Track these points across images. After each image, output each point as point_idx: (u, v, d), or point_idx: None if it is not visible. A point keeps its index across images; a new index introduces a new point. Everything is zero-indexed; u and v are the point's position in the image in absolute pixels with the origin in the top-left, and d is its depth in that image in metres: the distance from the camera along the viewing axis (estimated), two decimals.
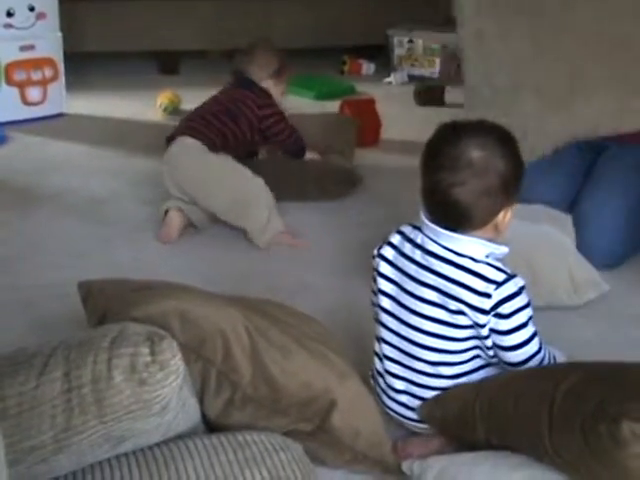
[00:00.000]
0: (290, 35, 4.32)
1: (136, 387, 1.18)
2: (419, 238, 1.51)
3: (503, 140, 1.46)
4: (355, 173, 2.83)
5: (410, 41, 4.39)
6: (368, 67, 4.53)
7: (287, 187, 2.61)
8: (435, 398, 1.52)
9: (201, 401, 1.37)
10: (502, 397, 1.43)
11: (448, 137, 1.45)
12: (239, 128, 2.58)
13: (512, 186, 1.46)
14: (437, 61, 4.32)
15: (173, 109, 3.55)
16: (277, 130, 2.67)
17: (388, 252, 1.55)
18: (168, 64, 4.41)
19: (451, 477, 1.32)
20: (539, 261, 1.99)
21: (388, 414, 1.57)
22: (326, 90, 4.00)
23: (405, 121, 3.63)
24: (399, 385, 1.54)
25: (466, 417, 1.45)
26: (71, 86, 3.71)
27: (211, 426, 1.40)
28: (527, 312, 1.46)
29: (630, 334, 1.95)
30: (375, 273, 1.57)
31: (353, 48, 4.57)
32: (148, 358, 1.20)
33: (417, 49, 4.37)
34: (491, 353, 1.50)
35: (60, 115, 3.63)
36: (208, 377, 1.37)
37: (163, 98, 3.62)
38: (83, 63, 4.18)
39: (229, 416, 1.39)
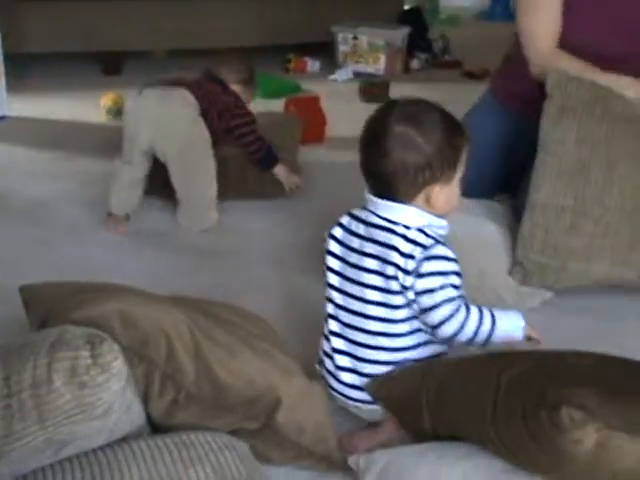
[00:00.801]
0: (234, 33, 4.32)
1: (77, 391, 1.17)
2: (364, 214, 1.57)
3: (435, 118, 1.53)
4: (298, 170, 2.84)
5: (355, 38, 4.41)
6: (313, 64, 4.53)
7: (228, 185, 2.61)
8: (382, 377, 1.55)
9: (145, 402, 1.36)
10: (448, 382, 1.45)
11: (382, 112, 1.54)
12: (210, 115, 2.58)
13: (440, 163, 1.50)
14: (382, 57, 4.34)
15: (117, 111, 3.51)
16: (245, 131, 2.65)
17: (337, 232, 1.63)
18: (111, 65, 4.36)
19: (397, 470, 1.33)
20: (487, 267, 2.01)
21: (335, 399, 1.60)
22: (271, 88, 3.99)
23: (350, 118, 3.61)
24: (343, 362, 1.58)
25: (411, 400, 1.47)
26: (12, 88, 3.66)
27: (156, 427, 1.39)
28: (444, 279, 1.49)
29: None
30: (325, 252, 1.63)
31: (298, 46, 4.57)
32: (89, 361, 1.18)
33: (362, 46, 4.39)
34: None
35: (1, 118, 3.58)
36: (152, 378, 1.36)
37: (107, 100, 3.59)
38: (24, 64, 4.13)
39: (174, 417, 1.38)
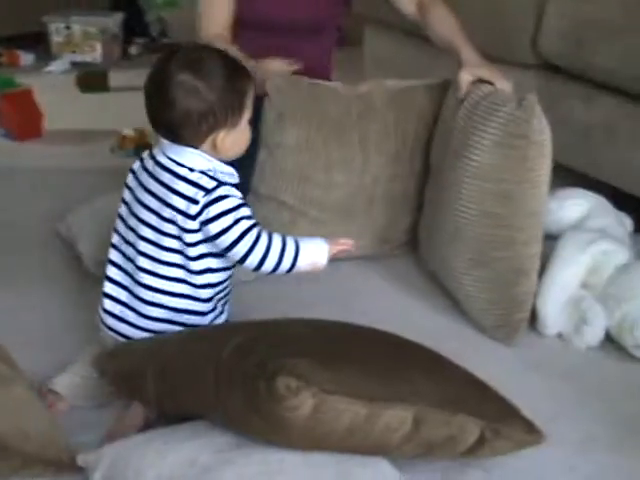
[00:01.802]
0: None
1: None
2: (156, 152, 1.60)
3: (216, 64, 1.55)
4: None
5: (67, 27, 4.27)
6: (26, 57, 4.34)
7: None
8: (111, 351, 1.58)
9: None
10: (173, 359, 1.47)
11: (164, 61, 1.55)
12: None
13: (223, 109, 1.54)
14: (98, 45, 4.25)
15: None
16: None
17: (135, 165, 1.67)
18: None
19: (125, 461, 1.33)
20: None
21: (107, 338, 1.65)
22: None
23: (69, 109, 3.54)
24: (117, 293, 1.62)
25: (138, 377, 1.48)
26: None
27: None
28: (235, 214, 1.55)
29: None
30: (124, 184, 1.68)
31: (8, 38, 4.36)
32: None
33: (76, 35, 4.27)
34: (195, 269, 1.59)
35: None
36: None
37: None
38: None
39: None
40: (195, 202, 1.53)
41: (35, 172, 2.85)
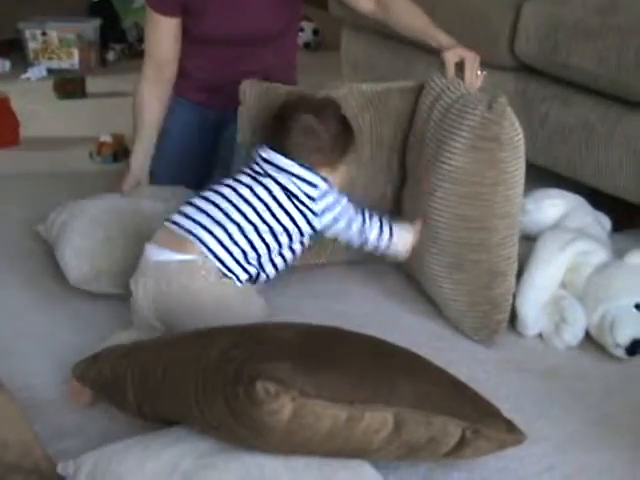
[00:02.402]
0: None
1: None
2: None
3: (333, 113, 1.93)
4: None
5: (44, 34, 4.24)
6: (3, 64, 4.30)
7: None
8: (92, 356, 1.57)
9: None
10: (153, 364, 1.47)
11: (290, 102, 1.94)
12: None
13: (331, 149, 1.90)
14: (75, 52, 4.22)
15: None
16: None
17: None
18: None
19: (104, 468, 1.33)
20: None
21: None
22: None
23: (47, 116, 3.53)
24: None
25: (117, 383, 1.48)
26: None
27: None
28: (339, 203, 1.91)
29: None
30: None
31: None
32: None
33: (52, 41, 4.24)
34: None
35: None
36: None
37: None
38: None
39: None
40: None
41: (11, 179, 2.83)
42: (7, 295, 2.08)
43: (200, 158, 2.43)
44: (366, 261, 2.19)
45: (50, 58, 4.25)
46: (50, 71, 4.19)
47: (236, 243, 1.77)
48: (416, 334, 1.90)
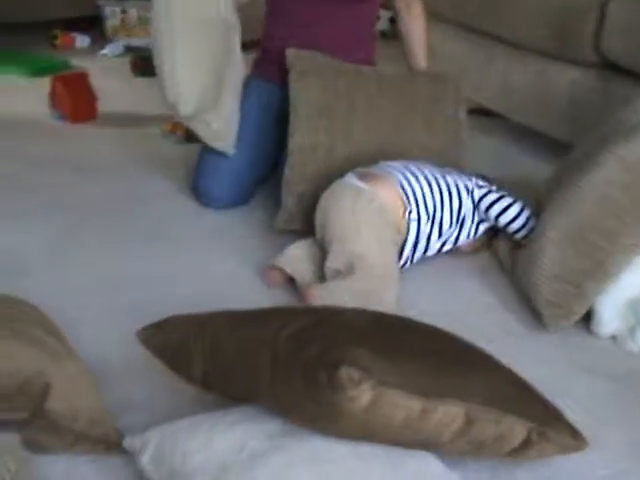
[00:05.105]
0: None
1: None
2: None
3: None
4: None
5: (123, 11, 4.30)
6: (82, 40, 4.39)
7: None
8: (158, 323, 1.53)
9: None
10: (226, 337, 1.44)
11: None
12: None
13: None
14: None
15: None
16: None
17: None
18: None
19: (171, 445, 1.33)
20: None
21: None
22: (37, 66, 3.83)
23: (123, 93, 3.57)
24: None
25: (185, 351, 1.46)
26: None
27: None
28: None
29: None
30: None
31: (65, 21, 4.40)
32: None
33: (131, 19, 4.30)
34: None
35: None
36: None
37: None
38: None
39: None
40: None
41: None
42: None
43: (275, 142, 2.45)
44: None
45: (128, 35, 4.31)
46: (127, 48, 4.24)
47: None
48: (484, 331, 1.86)
